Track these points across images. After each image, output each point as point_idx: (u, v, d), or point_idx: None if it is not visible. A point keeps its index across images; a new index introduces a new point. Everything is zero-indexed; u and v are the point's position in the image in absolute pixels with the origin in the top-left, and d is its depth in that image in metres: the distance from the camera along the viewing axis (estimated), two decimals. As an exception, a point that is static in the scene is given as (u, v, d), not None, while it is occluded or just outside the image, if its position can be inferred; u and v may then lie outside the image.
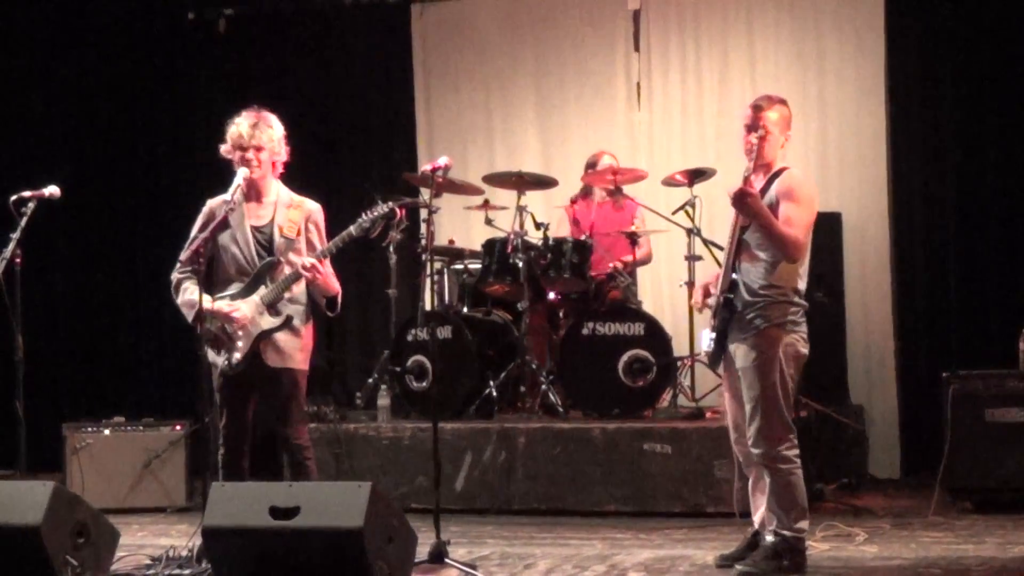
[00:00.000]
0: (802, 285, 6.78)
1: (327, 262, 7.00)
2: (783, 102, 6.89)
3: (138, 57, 12.03)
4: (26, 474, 7.40)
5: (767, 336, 6.66)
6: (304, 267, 6.93)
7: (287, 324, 7.02)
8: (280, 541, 6.15)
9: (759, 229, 6.66)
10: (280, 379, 7.04)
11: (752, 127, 6.78)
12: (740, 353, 6.73)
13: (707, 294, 6.98)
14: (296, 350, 7.07)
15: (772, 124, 6.78)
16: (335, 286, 7.06)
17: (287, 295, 7.04)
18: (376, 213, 7.05)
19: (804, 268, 6.78)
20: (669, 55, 11.14)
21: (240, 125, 7.07)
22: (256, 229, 7.10)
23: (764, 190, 6.74)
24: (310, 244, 7.12)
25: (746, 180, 6.72)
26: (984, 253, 10.24)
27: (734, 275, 6.74)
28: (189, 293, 7.01)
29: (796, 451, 6.72)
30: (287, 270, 7.04)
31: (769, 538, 6.70)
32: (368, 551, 6.00)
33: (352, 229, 7.03)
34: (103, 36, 12.03)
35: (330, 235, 7.14)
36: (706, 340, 6.90)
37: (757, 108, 6.81)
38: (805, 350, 6.79)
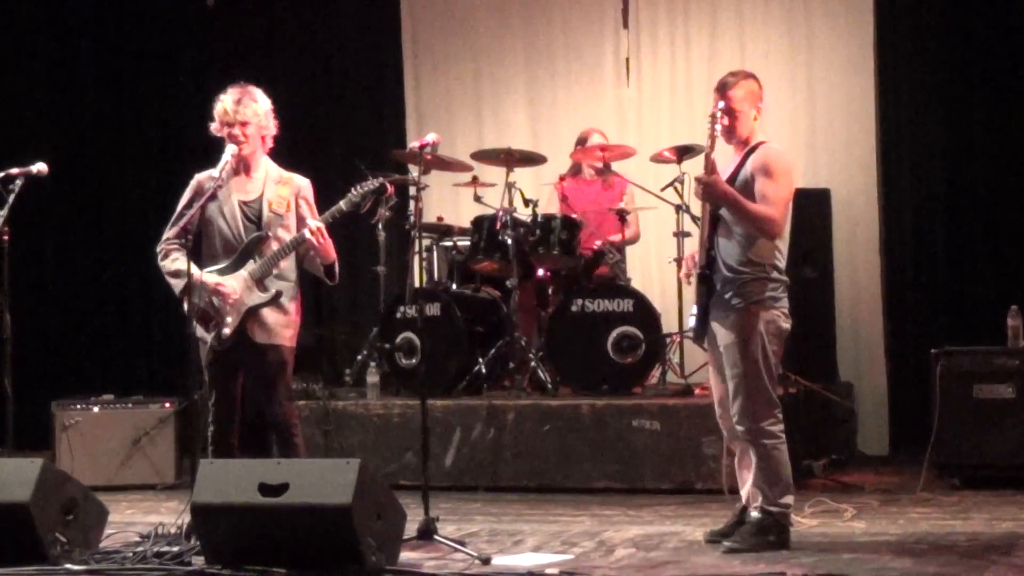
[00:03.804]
0: (781, 260, 6.76)
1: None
2: (749, 76, 6.86)
3: (126, 33, 12.00)
4: (14, 452, 7.39)
5: (747, 314, 6.66)
6: (311, 230, 6.92)
7: (275, 300, 7.03)
8: (269, 518, 6.16)
9: (733, 212, 6.67)
10: (267, 356, 7.04)
11: (717, 111, 6.74)
12: (721, 331, 6.73)
13: (693, 265, 6.95)
14: (283, 327, 7.07)
15: (739, 102, 6.74)
16: (333, 254, 7.06)
17: (275, 271, 7.04)
18: (366, 188, 7.06)
19: (784, 243, 6.78)
20: (658, 31, 11.12)
21: (225, 102, 7.07)
22: (244, 204, 7.10)
23: (740, 165, 6.75)
24: (301, 219, 7.11)
25: (707, 158, 6.68)
26: (973, 230, 10.24)
27: (712, 251, 6.75)
28: (177, 263, 7.01)
29: (780, 426, 6.73)
30: (275, 245, 7.04)
31: (755, 514, 6.72)
32: (357, 528, 6.01)
33: (342, 204, 7.05)
34: (90, 11, 11.98)
35: (319, 211, 7.14)
36: (693, 315, 6.90)
37: (722, 89, 6.77)
38: (787, 325, 6.78)
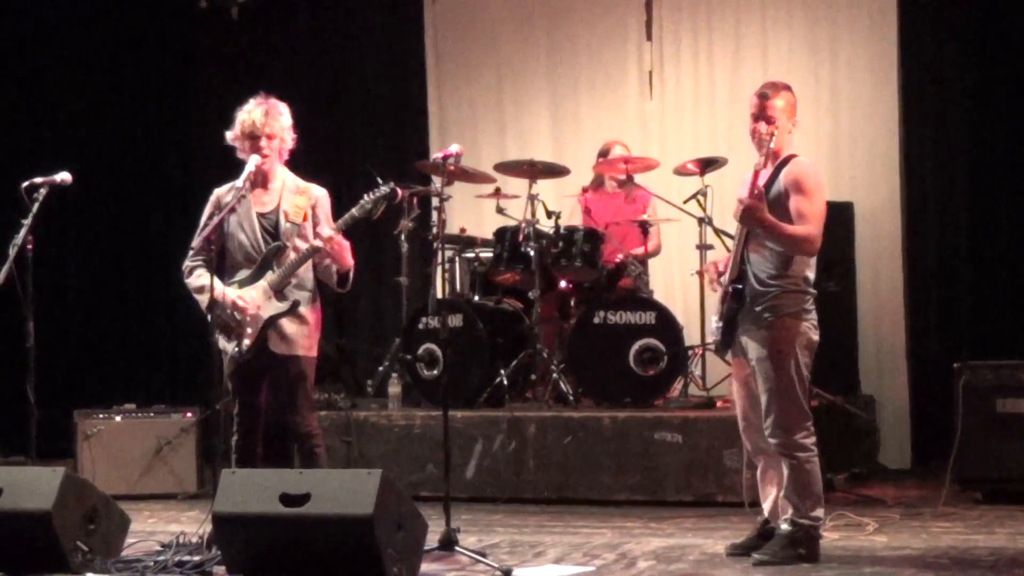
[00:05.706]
0: (811, 273, 6.73)
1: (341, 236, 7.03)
2: (788, 88, 6.79)
3: (150, 44, 12.04)
4: (37, 460, 7.40)
5: (781, 326, 6.61)
6: (322, 238, 6.94)
7: (293, 309, 7.04)
8: (290, 528, 6.17)
9: (772, 238, 6.62)
10: (287, 367, 7.06)
11: (759, 116, 6.67)
12: (753, 345, 6.67)
13: (719, 272, 6.89)
14: (302, 337, 7.08)
15: (779, 112, 6.67)
16: (349, 260, 7.05)
17: (293, 280, 7.05)
18: (377, 194, 7.06)
19: (813, 257, 6.75)
20: (681, 44, 11.13)
21: (252, 113, 7.08)
22: (262, 215, 7.12)
23: (772, 179, 6.67)
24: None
25: (755, 173, 6.62)
26: (996, 243, 10.22)
27: (743, 264, 6.71)
28: (201, 279, 7.04)
29: (813, 439, 6.68)
30: (292, 255, 7.05)
31: (785, 526, 6.67)
32: (378, 539, 6.01)
33: (354, 211, 7.04)
34: (115, 22, 12.02)
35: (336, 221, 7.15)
36: (713, 326, 6.88)
37: (763, 96, 6.69)
38: (816, 337, 6.73)
